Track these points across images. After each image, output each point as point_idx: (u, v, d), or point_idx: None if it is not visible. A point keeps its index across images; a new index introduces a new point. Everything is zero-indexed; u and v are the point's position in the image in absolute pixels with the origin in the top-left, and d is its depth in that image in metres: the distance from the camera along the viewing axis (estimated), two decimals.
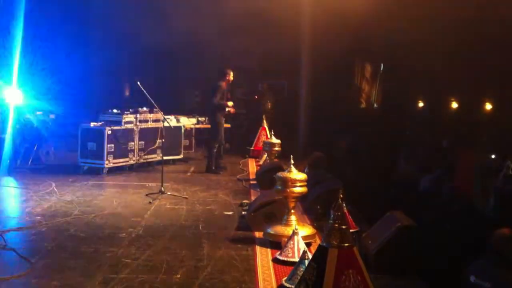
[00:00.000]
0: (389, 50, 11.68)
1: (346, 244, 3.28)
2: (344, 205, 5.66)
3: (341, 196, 3.58)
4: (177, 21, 12.58)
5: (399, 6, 9.68)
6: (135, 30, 14.18)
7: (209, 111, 10.47)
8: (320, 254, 3.32)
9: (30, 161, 10.26)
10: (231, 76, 10.21)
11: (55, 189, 8.28)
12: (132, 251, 5.36)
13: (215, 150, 10.25)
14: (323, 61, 12.27)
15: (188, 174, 10.16)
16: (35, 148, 10.48)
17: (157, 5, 12.88)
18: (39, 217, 6.55)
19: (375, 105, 13.40)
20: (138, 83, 8.23)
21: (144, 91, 8.22)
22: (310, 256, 4.27)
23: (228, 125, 12.79)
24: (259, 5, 10.98)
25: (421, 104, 12.19)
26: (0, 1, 11.38)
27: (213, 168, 10.20)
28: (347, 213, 5.87)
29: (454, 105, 11.23)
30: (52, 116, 11.42)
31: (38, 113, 11.15)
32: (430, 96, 11.68)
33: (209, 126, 11.05)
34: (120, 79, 15.89)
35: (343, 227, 3.31)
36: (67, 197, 7.78)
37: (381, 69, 12.95)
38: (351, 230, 4.78)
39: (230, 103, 10.42)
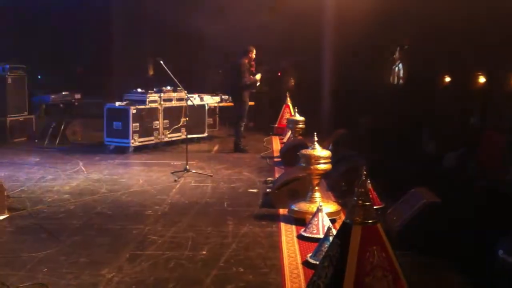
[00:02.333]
0: (414, 24, 11.46)
1: (370, 221, 3.27)
2: (368, 181, 5.68)
3: (365, 173, 3.57)
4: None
5: None
6: (158, 10, 14.21)
7: (234, 90, 10.40)
8: (344, 231, 3.32)
9: (57, 141, 10.44)
10: (253, 54, 10.16)
11: (82, 168, 8.42)
12: (158, 228, 5.44)
13: (242, 129, 10.25)
14: (346, 37, 12.10)
15: (213, 152, 10.21)
16: (62, 128, 10.64)
17: None
18: (67, 195, 6.69)
19: (400, 81, 13.21)
20: (161, 62, 8.26)
21: (168, 70, 8.25)
22: (334, 232, 4.27)
23: (252, 103, 12.80)
24: None
25: (447, 79, 11.98)
26: None
27: (241, 147, 10.20)
28: (371, 190, 5.87)
29: (482, 79, 11.00)
30: (78, 96, 11.58)
31: (64, 93, 11.32)
32: (457, 71, 11.46)
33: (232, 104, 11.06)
34: (144, 58, 15.98)
35: (367, 203, 3.29)
36: (94, 175, 7.91)
37: (406, 44, 12.73)
38: (375, 207, 4.77)
39: (258, 76, 10.29)
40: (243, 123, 10.27)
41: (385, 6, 10.74)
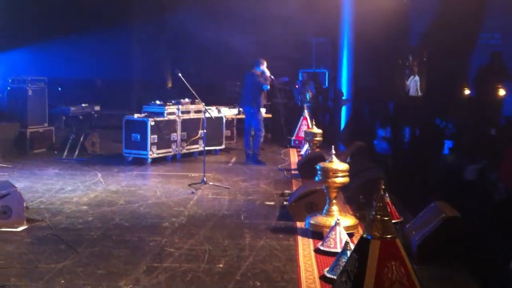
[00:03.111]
0: (433, 36, 11.41)
1: (389, 236, 3.24)
2: (386, 195, 5.63)
3: (383, 186, 3.53)
4: (219, 12, 12.67)
5: None
6: (178, 22, 14.35)
7: (248, 101, 10.42)
8: (362, 246, 3.29)
9: (76, 152, 10.53)
10: (265, 65, 10.18)
11: (100, 179, 8.48)
12: (175, 240, 5.44)
13: (261, 140, 10.25)
14: (365, 49, 12.08)
15: (230, 164, 10.21)
16: (81, 139, 10.74)
17: None
18: (85, 207, 6.73)
19: (419, 92, 13.13)
20: (180, 74, 8.31)
21: (186, 82, 8.30)
22: (352, 247, 4.23)
23: (269, 115, 12.81)
24: None
25: (467, 92, 11.88)
26: None
27: (259, 159, 10.19)
28: (389, 204, 5.81)
29: (501, 92, 10.89)
30: (97, 108, 11.69)
31: (83, 104, 11.43)
32: (476, 83, 11.37)
33: None
34: (163, 71, 16.13)
35: (385, 218, 3.26)
36: (112, 187, 7.95)
37: (425, 56, 12.67)
38: (394, 221, 4.72)
39: (268, 74, 10.24)
40: (263, 134, 10.26)
41: (402, 18, 10.72)
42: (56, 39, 12.92)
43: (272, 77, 10.35)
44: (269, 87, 10.30)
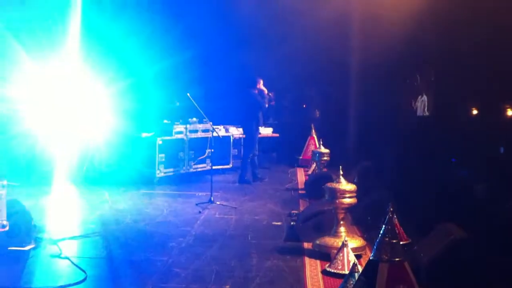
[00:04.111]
0: (440, 56, 11.44)
1: (397, 259, 3.21)
2: (394, 217, 5.60)
3: (391, 209, 3.52)
4: (228, 31, 12.76)
5: (451, 13, 9.49)
6: (184, 41, 14.42)
7: (243, 121, 10.46)
8: (370, 268, 3.27)
9: (84, 169, 10.55)
10: (261, 84, 10.20)
11: (108, 197, 8.49)
12: (182, 261, 5.42)
13: (249, 160, 10.22)
14: (372, 68, 12.12)
15: (237, 183, 10.20)
16: (89, 157, 10.77)
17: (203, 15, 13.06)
18: (92, 225, 6.73)
19: (426, 112, 13.13)
20: (188, 94, 8.36)
21: (194, 102, 8.35)
22: (360, 269, 4.20)
23: (277, 134, 12.83)
24: (307, 11, 10.97)
25: (475, 112, 11.87)
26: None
27: (245, 178, 10.17)
28: (397, 225, 5.78)
29: (510, 112, 10.87)
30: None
31: None
32: (484, 102, 11.36)
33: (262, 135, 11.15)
34: (171, 90, 16.18)
35: (394, 241, 3.24)
36: (119, 205, 7.96)
37: (433, 76, 12.69)
38: (402, 242, 4.69)
39: (265, 89, 10.27)
40: (251, 155, 10.21)
41: (410, 38, 10.76)
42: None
43: (270, 94, 10.38)
44: (267, 104, 10.31)
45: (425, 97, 12.99)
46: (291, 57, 13.60)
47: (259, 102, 10.06)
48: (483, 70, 9.87)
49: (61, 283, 4.72)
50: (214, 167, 9.22)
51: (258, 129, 10.27)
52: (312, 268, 5.29)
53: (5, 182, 5.34)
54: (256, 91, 10.16)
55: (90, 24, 11.10)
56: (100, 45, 11.25)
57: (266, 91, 10.24)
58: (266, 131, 12.44)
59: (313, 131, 12.65)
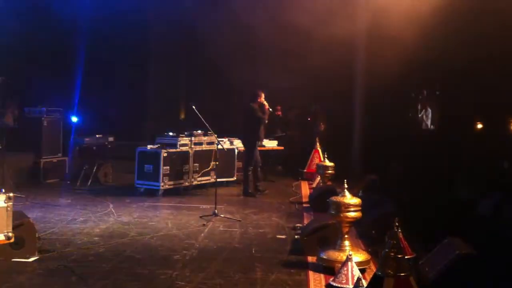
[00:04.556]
0: (446, 70, 11.45)
1: (402, 274, 3.20)
2: (399, 231, 5.58)
3: (397, 223, 3.51)
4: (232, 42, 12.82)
5: (455, 29, 9.54)
6: (192, 54, 14.53)
7: (242, 135, 10.44)
8: (375, 283, 3.25)
9: (89, 182, 10.59)
10: (262, 98, 10.18)
11: (112, 210, 8.49)
12: (186, 274, 5.41)
13: (249, 173, 10.20)
14: (377, 82, 12.14)
15: (241, 196, 10.18)
16: (94, 170, 10.81)
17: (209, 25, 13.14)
18: (97, 238, 6.73)
19: (431, 126, 13.12)
20: (194, 107, 8.39)
21: (199, 115, 8.37)
22: (364, 283, 4.18)
23: (282, 147, 12.83)
24: (312, 26, 11.01)
25: (479, 126, 11.85)
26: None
27: (250, 191, 10.14)
28: (402, 239, 5.74)
29: None
30: (111, 139, 11.78)
31: (97, 135, 11.54)
32: (489, 116, 11.35)
33: (267, 148, 11.12)
34: (176, 102, 16.26)
35: (399, 256, 3.23)
36: (124, 218, 7.96)
37: (437, 89, 12.70)
38: (407, 257, 4.67)
39: (266, 105, 10.21)
40: (251, 167, 10.19)
41: (415, 52, 10.78)
42: (72, 69, 13.12)
43: (271, 109, 10.35)
44: (267, 120, 10.25)
45: (429, 110, 12.98)
46: (297, 71, 13.64)
47: (259, 117, 10.03)
48: (488, 84, 9.88)
49: None
50: (218, 180, 9.22)
51: (256, 143, 10.22)
52: (316, 282, 5.27)
53: (11, 194, 5.35)
54: (257, 105, 10.14)
55: None
56: None
57: (267, 106, 10.17)
58: (271, 144, 12.44)
59: (318, 144, 12.64)
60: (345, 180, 5.91)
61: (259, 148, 11.45)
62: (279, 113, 14.25)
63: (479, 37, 9.38)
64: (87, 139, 11.23)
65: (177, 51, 15.36)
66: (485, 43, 9.37)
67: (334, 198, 5.69)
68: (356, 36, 12.30)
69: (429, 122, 13.10)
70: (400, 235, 5.60)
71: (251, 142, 10.16)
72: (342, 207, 5.56)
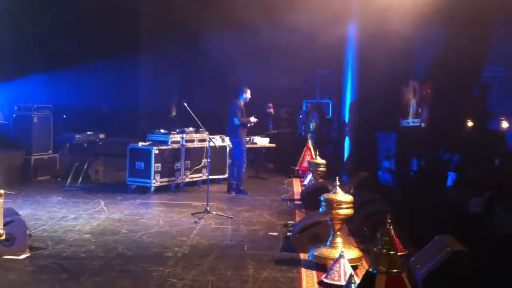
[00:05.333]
0: (437, 68, 11.50)
1: (395, 270, 3.21)
2: (391, 228, 5.60)
3: (389, 220, 3.52)
4: (224, 41, 12.81)
5: (447, 25, 9.57)
6: (182, 53, 14.51)
7: (229, 131, 10.39)
8: (367, 280, 3.26)
9: (80, 179, 10.53)
10: (248, 94, 10.12)
11: (103, 207, 8.46)
12: (178, 271, 5.40)
13: (243, 170, 10.14)
14: (368, 80, 12.16)
15: (233, 193, 10.17)
16: (85, 167, 10.75)
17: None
18: (88, 235, 6.70)
19: (422, 124, 13.16)
20: (185, 104, 8.36)
21: (191, 112, 8.35)
22: (356, 280, 4.20)
23: (273, 145, 12.83)
24: (304, 26, 11.02)
25: (470, 124, 11.90)
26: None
27: (241, 188, 10.09)
28: (394, 236, 5.77)
29: (505, 124, 10.91)
30: (102, 136, 11.73)
31: (88, 132, 11.48)
32: (479, 115, 11.40)
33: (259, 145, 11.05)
34: (168, 100, 16.22)
35: (391, 252, 3.24)
36: (115, 215, 7.93)
37: (429, 88, 12.73)
38: (399, 254, 4.68)
39: (252, 119, 10.11)
40: (245, 164, 10.15)
41: (406, 48, 10.81)
42: (63, 66, 13.05)
43: (254, 121, 10.18)
44: (240, 122, 9.94)
45: (414, 103, 12.99)
46: (289, 68, 13.66)
47: (234, 113, 9.93)
48: (479, 81, 9.93)
49: None
50: (210, 177, 9.20)
51: (244, 139, 10.16)
52: (309, 279, 5.28)
53: (2, 192, 5.32)
54: (242, 102, 10.06)
55: None
56: None
57: (242, 104, 10.01)
58: (262, 141, 12.44)
59: (309, 142, 12.66)
60: (337, 177, 5.92)
61: (249, 146, 11.44)
62: (271, 110, 14.26)
63: (471, 34, 9.42)
64: (77, 135, 11.16)
65: (170, 48, 15.32)
66: (479, 40, 9.41)
67: (326, 195, 5.70)
68: (348, 33, 12.31)
69: (417, 117, 13.10)
70: (392, 232, 5.63)
71: (234, 139, 10.08)
72: (334, 204, 5.58)
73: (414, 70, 12.67)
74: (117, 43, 13.53)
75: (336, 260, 5.16)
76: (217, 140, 10.71)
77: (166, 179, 10.03)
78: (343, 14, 11.23)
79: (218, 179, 11.19)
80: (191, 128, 10.65)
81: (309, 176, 10.79)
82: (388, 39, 10.40)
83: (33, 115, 10.92)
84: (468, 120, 11.81)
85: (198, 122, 8.58)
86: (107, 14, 12.55)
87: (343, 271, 5.01)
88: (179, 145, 10.33)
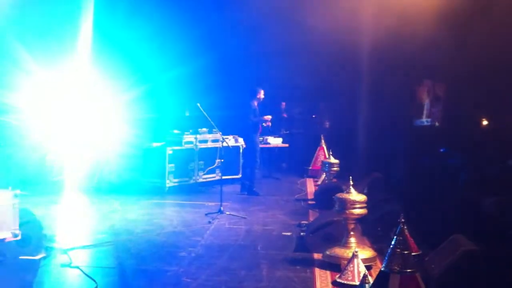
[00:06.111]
0: (451, 67, 11.42)
1: (409, 270, 3.21)
2: (405, 228, 5.57)
3: (403, 220, 3.52)
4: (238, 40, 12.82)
5: (461, 25, 9.51)
6: (196, 50, 14.49)
7: (243, 132, 10.36)
8: (381, 280, 3.26)
9: (95, 179, 10.60)
10: (261, 95, 10.10)
11: (118, 207, 8.52)
12: (192, 271, 5.43)
13: (256, 171, 10.15)
14: (382, 79, 12.11)
15: (246, 194, 10.19)
16: (100, 167, 10.82)
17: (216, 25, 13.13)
18: (103, 235, 6.76)
19: (436, 123, 13.08)
20: (199, 104, 8.40)
21: (204, 113, 8.39)
22: (370, 280, 4.20)
23: (287, 145, 12.83)
24: (317, 26, 11.01)
25: (485, 122, 11.80)
26: None
27: (254, 189, 10.10)
28: (408, 236, 5.74)
29: None
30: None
31: None
32: (495, 113, 11.30)
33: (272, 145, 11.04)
34: (182, 99, 16.24)
35: (405, 252, 3.24)
36: (130, 215, 7.99)
37: (443, 87, 12.66)
38: (412, 253, 4.67)
39: (267, 117, 10.17)
40: (257, 165, 10.16)
41: (420, 49, 10.75)
42: None
43: (268, 118, 10.20)
44: (253, 122, 9.96)
45: (433, 108, 12.93)
46: (302, 68, 13.63)
47: (247, 114, 9.95)
48: (494, 80, 9.84)
49: None
50: (223, 177, 9.23)
51: (257, 139, 10.18)
52: (322, 279, 5.28)
53: (18, 192, 5.38)
54: (256, 102, 10.09)
55: (102, 29, 11.08)
56: (113, 51, 11.25)
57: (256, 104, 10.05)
58: (275, 141, 12.45)
59: (323, 141, 12.64)
60: (351, 177, 5.92)
61: (262, 146, 11.46)
62: (284, 115, 14.20)
63: (488, 32, 9.33)
64: None
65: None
66: (495, 38, 9.32)
67: (339, 195, 5.70)
68: (361, 33, 12.26)
69: (432, 118, 13.04)
70: (406, 232, 5.60)
71: (247, 140, 10.12)
72: (348, 204, 5.57)
73: (428, 69, 12.59)
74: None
75: (350, 260, 5.15)
76: (230, 140, 10.74)
77: (180, 179, 10.07)
78: (358, 14, 11.20)
79: (232, 179, 11.21)
80: (204, 128, 10.69)
81: (323, 176, 10.77)
82: (403, 38, 10.35)
83: None
84: (484, 119, 11.72)
85: (212, 122, 8.60)
86: None
87: (357, 271, 5.01)
88: (192, 145, 10.37)
